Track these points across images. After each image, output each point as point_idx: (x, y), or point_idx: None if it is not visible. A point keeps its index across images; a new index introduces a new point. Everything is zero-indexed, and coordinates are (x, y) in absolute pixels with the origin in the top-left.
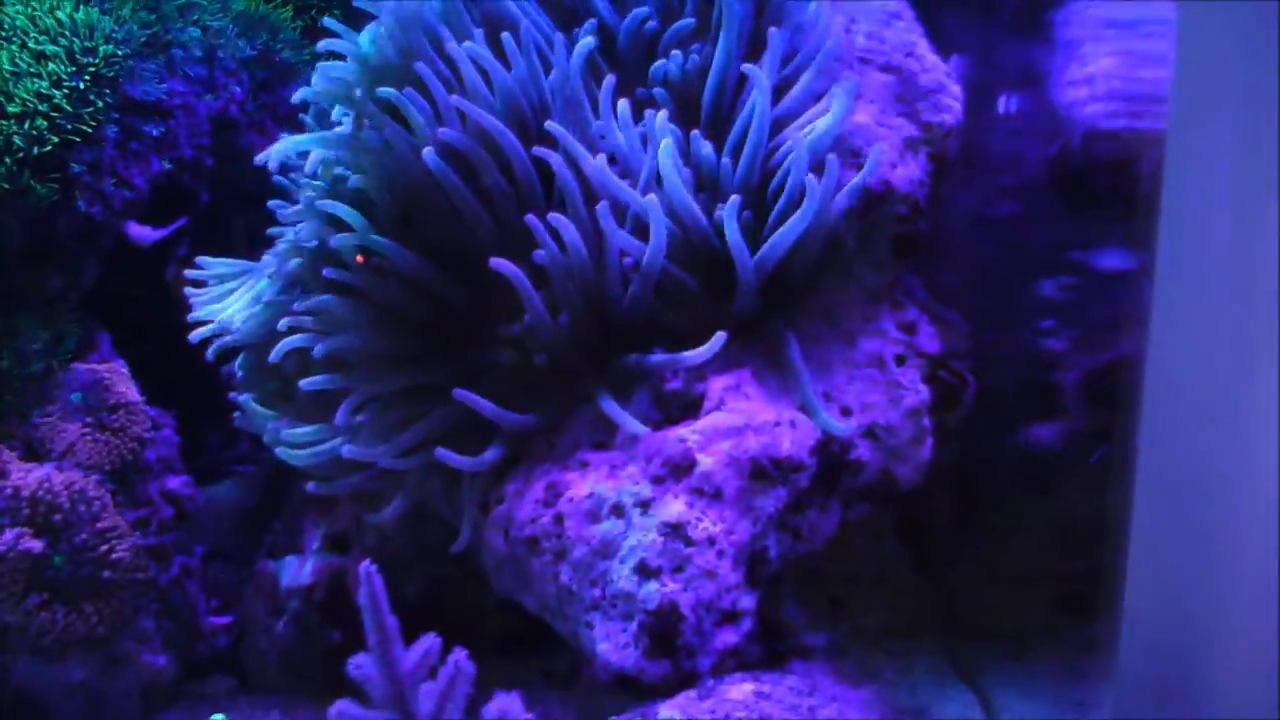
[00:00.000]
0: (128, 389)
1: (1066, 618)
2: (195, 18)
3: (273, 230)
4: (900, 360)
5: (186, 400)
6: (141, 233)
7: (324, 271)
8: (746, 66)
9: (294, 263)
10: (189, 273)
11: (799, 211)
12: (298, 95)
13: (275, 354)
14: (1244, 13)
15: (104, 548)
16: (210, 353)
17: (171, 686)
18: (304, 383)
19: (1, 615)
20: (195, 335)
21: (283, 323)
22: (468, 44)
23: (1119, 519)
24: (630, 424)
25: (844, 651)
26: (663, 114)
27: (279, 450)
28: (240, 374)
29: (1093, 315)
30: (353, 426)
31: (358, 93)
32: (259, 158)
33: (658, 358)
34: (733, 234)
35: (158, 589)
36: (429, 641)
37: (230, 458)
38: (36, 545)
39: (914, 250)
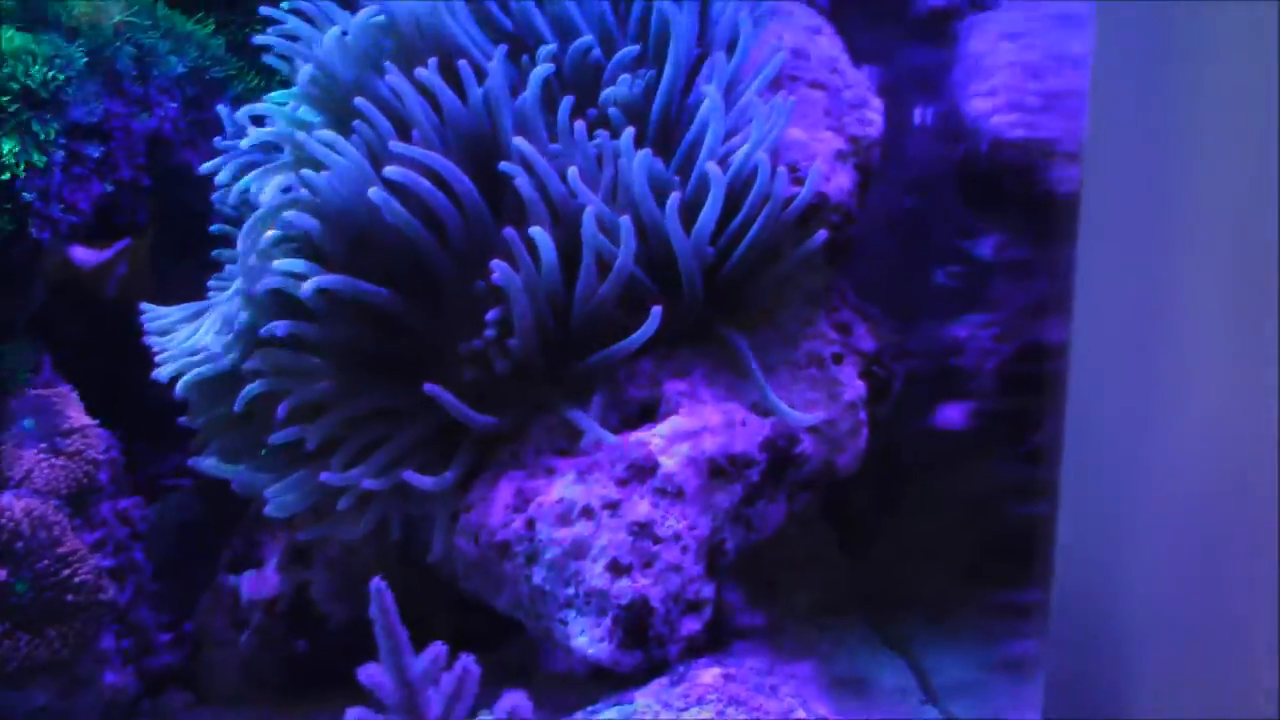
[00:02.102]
0: (78, 413)
1: (978, 586)
2: (129, 35)
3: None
4: (838, 359)
5: (120, 418)
6: (84, 255)
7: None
8: (704, 87)
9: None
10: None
11: (709, 199)
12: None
13: (239, 403)
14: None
15: (66, 572)
16: (180, 387)
17: (131, 704)
18: (275, 437)
19: None
20: (161, 374)
21: (245, 367)
22: (421, 71)
23: (1042, 497)
24: (601, 433)
25: (781, 629)
26: (629, 131)
27: (268, 508)
28: (196, 406)
29: (1002, 305)
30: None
31: (298, 135)
32: (204, 168)
33: (603, 353)
34: (672, 223)
35: (117, 609)
36: (437, 648)
37: (164, 473)
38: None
39: (847, 256)
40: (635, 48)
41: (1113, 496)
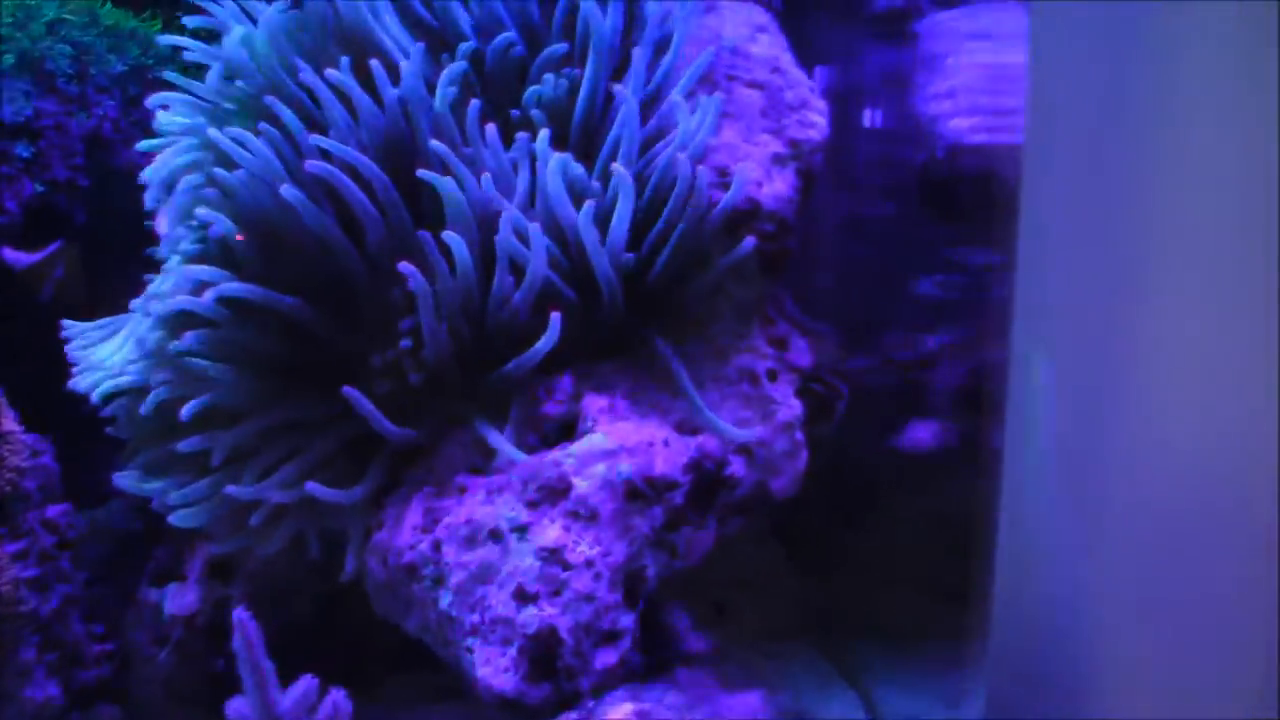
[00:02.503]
0: (3, 418)
1: (942, 612)
2: (63, 33)
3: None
4: (772, 375)
5: (62, 423)
6: (15, 257)
7: (185, 337)
8: (615, 88)
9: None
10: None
11: (618, 204)
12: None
13: (145, 407)
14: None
15: None
16: (96, 397)
17: (57, 718)
18: (182, 445)
19: None
20: (79, 384)
21: (154, 380)
22: (332, 72)
23: (988, 519)
24: (510, 451)
25: (727, 656)
26: (544, 133)
27: (173, 517)
28: (121, 421)
29: (963, 319)
30: (233, 469)
31: (210, 132)
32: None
33: (508, 365)
34: (585, 229)
35: (39, 621)
36: (306, 682)
37: (108, 480)
38: None
39: (782, 266)
40: (562, 45)
41: (1054, 505)
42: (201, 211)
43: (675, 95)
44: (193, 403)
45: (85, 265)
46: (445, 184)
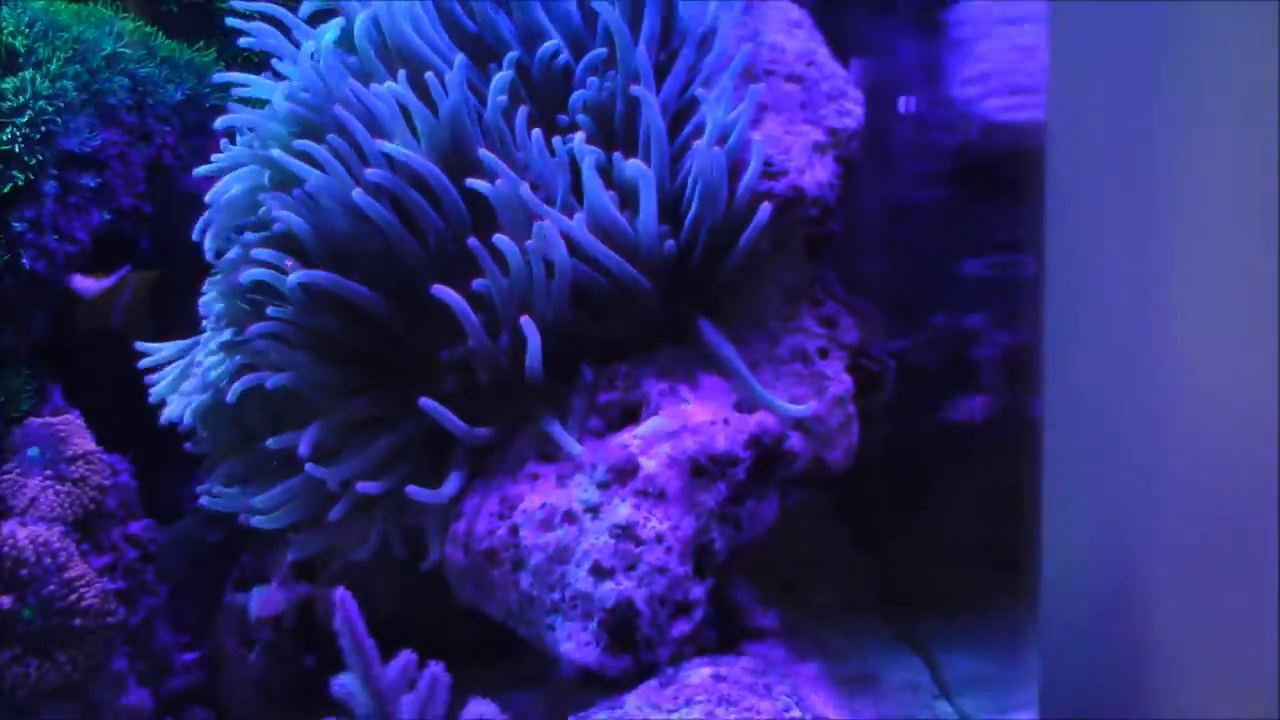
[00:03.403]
0: (84, 440)
1: (1000, 580)
2: (122, 67)
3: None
4: (823, 353)
5: (139, 442)
6: (85, 284)
7: (268, 310)
8: (635, 89)
9: (218, 308)
10: (143, 363)
11: (642, 195)
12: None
13: (231, 395)
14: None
15: (73, 596)
16: (189, 416)
17: None
18: (271, 441)
19: None
20: (165, 418)
21: (227, 364)
22: (390, 84)
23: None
24: (569, 444)
25: (796, 629)
26: (580, 135)
27: (256, 520)
28: (201, 433)
29: (1005, 294)
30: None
31: (274, 152)
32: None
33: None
34: (580, 232)
35: (128, 631)
36: (405, 657)
37: (185, 495)
38: (5, 601)
39: (826, 249)
40: (602, 50)
41: (1100, 480)
42: (276, 212)
43: (701, 91)
44: (273, 379)
45: (151, 289)
46: (495, 189)
